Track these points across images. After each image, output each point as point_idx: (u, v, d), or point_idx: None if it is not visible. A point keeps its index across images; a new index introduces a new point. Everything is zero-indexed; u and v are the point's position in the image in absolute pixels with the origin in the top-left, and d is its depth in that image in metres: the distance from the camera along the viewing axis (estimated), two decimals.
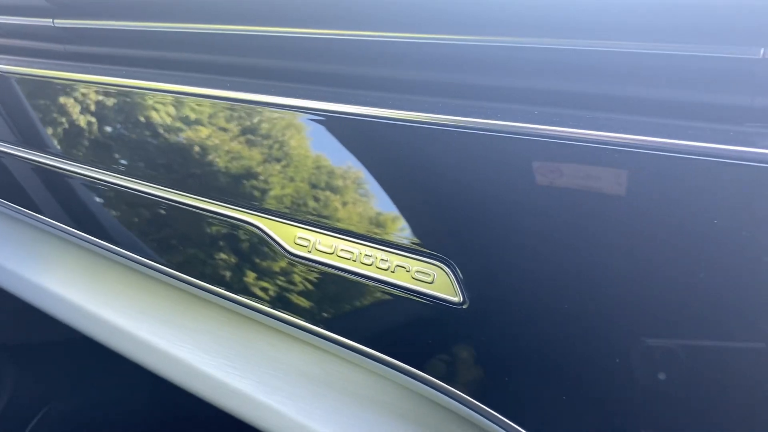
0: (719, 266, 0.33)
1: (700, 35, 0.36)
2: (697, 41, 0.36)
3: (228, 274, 0.47)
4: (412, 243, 0.41)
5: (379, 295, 0.42)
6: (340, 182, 0.43)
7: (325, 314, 0.44)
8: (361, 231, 0.42)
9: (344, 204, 0.43)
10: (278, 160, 0.45)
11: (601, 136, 0.36)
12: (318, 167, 0.44)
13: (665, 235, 0.34)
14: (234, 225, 0.47)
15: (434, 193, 0.40)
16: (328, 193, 0.44)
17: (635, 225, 0.35)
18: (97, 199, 0.55)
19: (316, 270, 0.44)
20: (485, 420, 0.39)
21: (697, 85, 0.37)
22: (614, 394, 0.36)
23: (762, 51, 0.35)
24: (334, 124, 0.44)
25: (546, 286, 0.37)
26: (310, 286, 0.44)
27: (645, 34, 0.37)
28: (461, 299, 0.39)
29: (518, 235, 0.38)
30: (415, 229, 0.41)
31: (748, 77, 0.36)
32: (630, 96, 0.39)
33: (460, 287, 0.39)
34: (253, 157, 0.46)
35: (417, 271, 0.41)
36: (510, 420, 0.38)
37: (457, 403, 0.40)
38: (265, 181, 0.46)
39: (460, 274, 0.39)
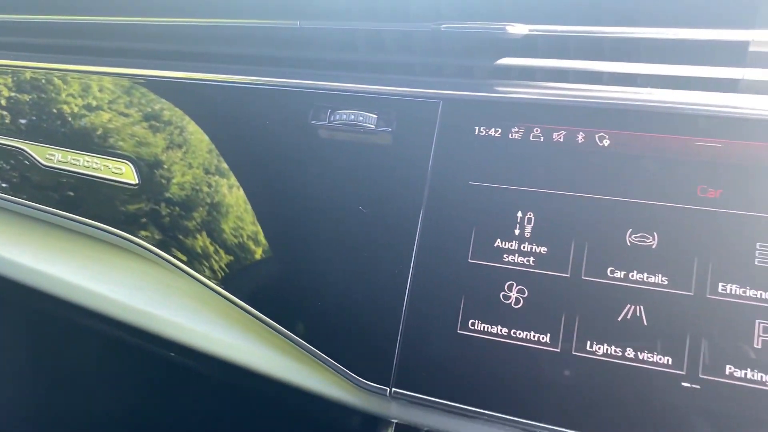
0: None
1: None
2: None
3: (4, 183, 0.69)
4: (110, 150, 0.64)
5: (97, 185, 0.64)
6: (69, 122, 0.66)
7: (66, 202, 0.66)
8: (81, 146, 0.65)
9: (70, 130, 0.66)
10: (34, 107, 0.68)
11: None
12: (56, 110, 0.67)
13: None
14: (6, 150, 0.68)
15: (124, 122, 0.63)
16: (63, 122, 0.66)
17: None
18: None
19: (60, 173, 0.66)
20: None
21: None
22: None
23: (299, 23, 0.60)
24: (72, 79, 0.66)
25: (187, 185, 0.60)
26: (59, 184, 0.66)
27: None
28: (137, 181, 0.62)
29: (170, 146, 0.61)
30: (110, 142, 0.64)
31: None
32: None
33: (137, 174, 0.62)
34: (21, 104, 0.68)
35: (115, 167, 0.63)
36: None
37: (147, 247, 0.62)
38: (31, 117, 0.68)
39: (138, 169, 0.62)
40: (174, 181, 0.61)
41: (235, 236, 0.58)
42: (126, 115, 0.64)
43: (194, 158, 0.61)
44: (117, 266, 0.66)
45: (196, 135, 0.61)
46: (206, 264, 0.59)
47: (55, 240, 0.69)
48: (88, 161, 0.65)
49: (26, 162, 0.68)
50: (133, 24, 0.67)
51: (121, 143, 0.64)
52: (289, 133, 0.58)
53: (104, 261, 0.66)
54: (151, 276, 0.64)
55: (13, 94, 0.70)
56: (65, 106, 0.67)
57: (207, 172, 0.60)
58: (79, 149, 0.65)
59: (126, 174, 0.63)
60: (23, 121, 0.68)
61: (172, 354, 0.71)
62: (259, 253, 0.57)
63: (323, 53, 0.60)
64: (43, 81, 0.69)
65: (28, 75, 0.70)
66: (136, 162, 0.63)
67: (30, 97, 0.69)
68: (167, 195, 0.61)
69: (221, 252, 0.59)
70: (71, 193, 0.65)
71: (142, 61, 0.67)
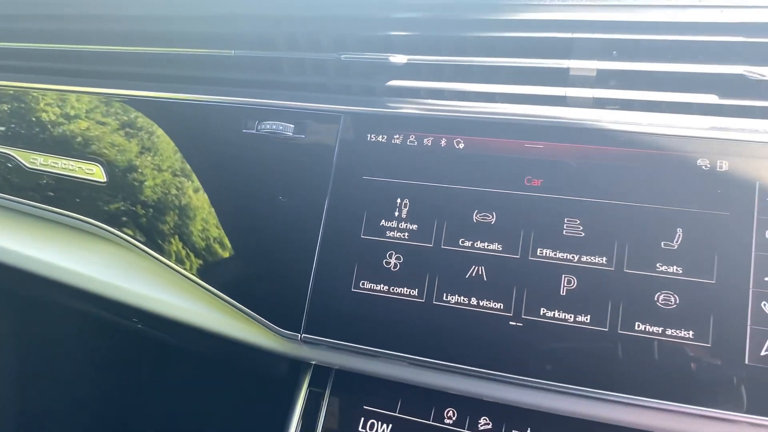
0: None
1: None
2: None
3: None
4: (83, 153, 0.79)
5: (72, 183, 0.79)
6: (47, 133, 0.81)
7: (51, 196, 0.80)
8: (59, 152, 0.80)
9: (49, 138, 0.80)
10: (18, 117, 0.82)
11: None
12: (36, 125, 0.81)
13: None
14: None
15: (98, 132, 0.78)
16: (45, 135, 0.81)
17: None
18: None
19: (42, 174, 0.81)
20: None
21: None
22: None
23: (234, 51, 0.75)
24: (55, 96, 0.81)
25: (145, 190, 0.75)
26: (41, 183, 0.81)
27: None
28: (105, 180, 0.77)
29: (130, 159, 0.76)
30: (81, 145, 0.79)
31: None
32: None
33: (105, 174, 0.77)
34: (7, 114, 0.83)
35: (87, 168, 0.78)
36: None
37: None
38: (12, 128, 0.83)
39: (106, 169, 0.77)
40: (146, 182, 0.76)
41: (203, 236, 0.73)
42: (103, 124, 0.79)
43: (162, 161, 0.76)
44: (91, 250, 0.80)
45: (163, 138, 0.76)
46: (161, 244, 0.74)
47: (40, 230, 0.83)
48: (65, 164, 0.80)
49: (13, 164, 0.82)
50: (107, 51, 0.82)
51: (93, 147, 0.79)
52: (226, 138, 0.74)
53: (81, 246, 0.81)
54: (118, 256, 0.79)
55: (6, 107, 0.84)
56: (44, 114, 0.82)
57: (174, 174, 0.75)
58: (56, 154, 0.80)
59: (96, 174, 0.78)
60: (10, 131, 0.83)
61: (135, 320, 0.86)
62: (206, 232, 0.73)
63: (253, 76, 0.76)
64: (29, 98, 0.84)
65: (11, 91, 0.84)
66: (104, 165, 0.78)
67: (11, 107, 0.83)
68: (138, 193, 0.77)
69: (184, 243, 0.75)
70: (52, 192, 0.80)
71: (114, 81, 0.82)
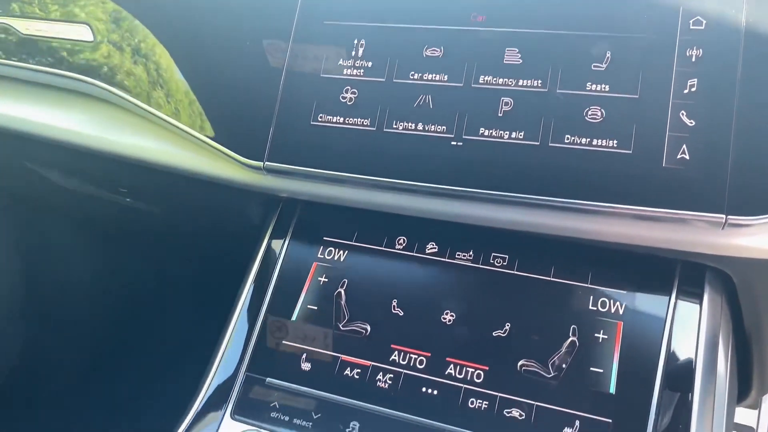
0: None
1: None
2: None
3: None
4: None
5: (63, 44, 0.85)
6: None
7: (44, 60, 0.87)
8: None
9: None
10: None
11: None
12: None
13: None
14: None
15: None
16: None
17: None
18: None
19: (36, 39, 0.87)
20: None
21: None
22: None
23: None
24: None
25: None
26: (36, 48, 0.87)
27: None
28: (92, 39, 0.83)
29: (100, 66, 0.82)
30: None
31: None
32: None
33: (93, 34, 0.84)
34: None
35: (76, 30, 0.84)
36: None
37: None
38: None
39: (93, 29, 0.84)
40: None
41: (178, 83, 0.79)
42: None
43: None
44: (74, 107, 0.87)
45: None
46: (143, 93, 0.81)
47: (31, 95, 0.90)
48: (56, 28, 0.86)
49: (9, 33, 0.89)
50: None
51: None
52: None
53: (65, 104, 0.88)
54: (101, 111, 0.85)
55: None
56: None
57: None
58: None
59: (85, 34, 0.84)
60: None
61: (123, 190, 0.93)
62: (180, 81, 0.79)
63: None
64: None
65: None
66: (92, 25, 0.84)
67: None
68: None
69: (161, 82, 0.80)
70: (44, 55, 0.87)
71: None
